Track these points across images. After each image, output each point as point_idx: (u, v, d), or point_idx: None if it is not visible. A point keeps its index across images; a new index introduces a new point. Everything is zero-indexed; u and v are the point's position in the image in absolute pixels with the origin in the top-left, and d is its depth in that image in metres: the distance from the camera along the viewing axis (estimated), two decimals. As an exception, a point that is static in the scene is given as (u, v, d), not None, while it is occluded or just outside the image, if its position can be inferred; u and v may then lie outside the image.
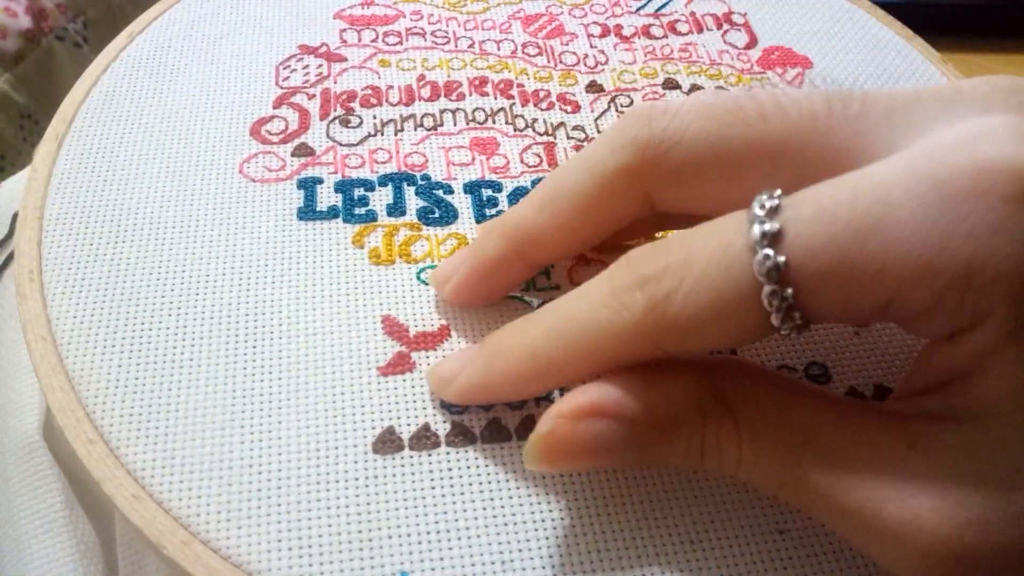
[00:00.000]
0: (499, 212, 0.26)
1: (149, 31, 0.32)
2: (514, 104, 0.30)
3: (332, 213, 0.26)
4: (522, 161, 0.28)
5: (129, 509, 0.20)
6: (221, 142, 0.28)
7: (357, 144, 0.28)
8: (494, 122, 0.29)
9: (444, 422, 0.22)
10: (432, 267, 0.25)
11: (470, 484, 0.21)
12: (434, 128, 0.29)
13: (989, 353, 0.16)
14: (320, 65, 0.31)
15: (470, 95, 0.30)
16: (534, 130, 0.29)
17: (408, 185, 0.27)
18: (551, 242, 0.22)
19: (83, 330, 0.23)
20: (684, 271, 0.17)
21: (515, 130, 0.29)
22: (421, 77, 0.31)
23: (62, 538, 0.27)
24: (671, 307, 0.17)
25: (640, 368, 0.19)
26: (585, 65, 0.32)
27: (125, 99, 0.29)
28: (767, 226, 0.17)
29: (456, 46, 0.32)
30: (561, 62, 0.32)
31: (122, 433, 0.21)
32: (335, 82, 0.30)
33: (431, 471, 0.21)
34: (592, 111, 0.30)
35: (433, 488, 0.21)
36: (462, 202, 0.27)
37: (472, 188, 0.27)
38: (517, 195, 0.27)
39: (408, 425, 0.22)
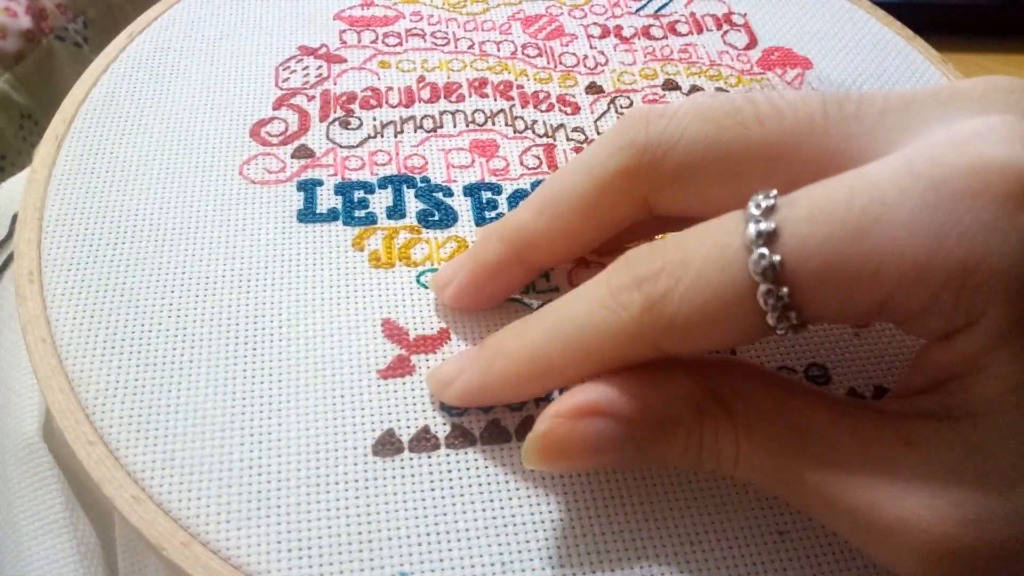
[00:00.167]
0: (499, 215, 0.27)
1: (149, 31, 0.32)
2: (514, 106, 0.30)
3: (332, 215, 0.26)
4: (522, 163, 0.28)
5: (129, 511, 0.20)
6: (221, 143, 0.28)
7: (357, 146, 0.28)
8: (494, 124, 0.29)
9: (444, 424, 0.22)
10: (432, 270, 0.25)
11: (470, 486, 0.21)
12: (434, 130, 0.29)
13: (985, 352, 0.16)
14: (320, 66, 0.31)
15: (470, 96, 0.30)
16: (534, 132, 0.29)
17: (408, 187, 0.27)
18: (550, 245, 0.22)
19: (83, 331, 0.23)
20: (680, 271, 0.17)
21: (515, 132, 0.29)
22: (421, 79, 0.31)
23: (62, 540, 0.27)
24: (668, 307, 0.17)
25: (638, 368, 0.19)
26: (585, 66, 0.32)
27: (125, 100, 0.29)
28: (763, 225, 0.17)
29: (456, 47, 0.32)
30: (561, 63, 0.32)
31: (122, 435, 0.21)
32: (335, 83, 0.30)
33: (431, 473, 0.21)
34: (592, 112, 0.30)
35: (433, 490, 0.21)
36: (462, 205, 0.27)
37: (472, 190, 0.27)
38: (517, 197, 0.27)
39: (408, 427, 0.22)
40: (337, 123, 0.29)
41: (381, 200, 0.27)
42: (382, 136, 0.29)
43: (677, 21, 0.34)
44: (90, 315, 0.23)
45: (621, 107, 0.30)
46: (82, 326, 0.23)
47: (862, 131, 0.18)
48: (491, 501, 0.20)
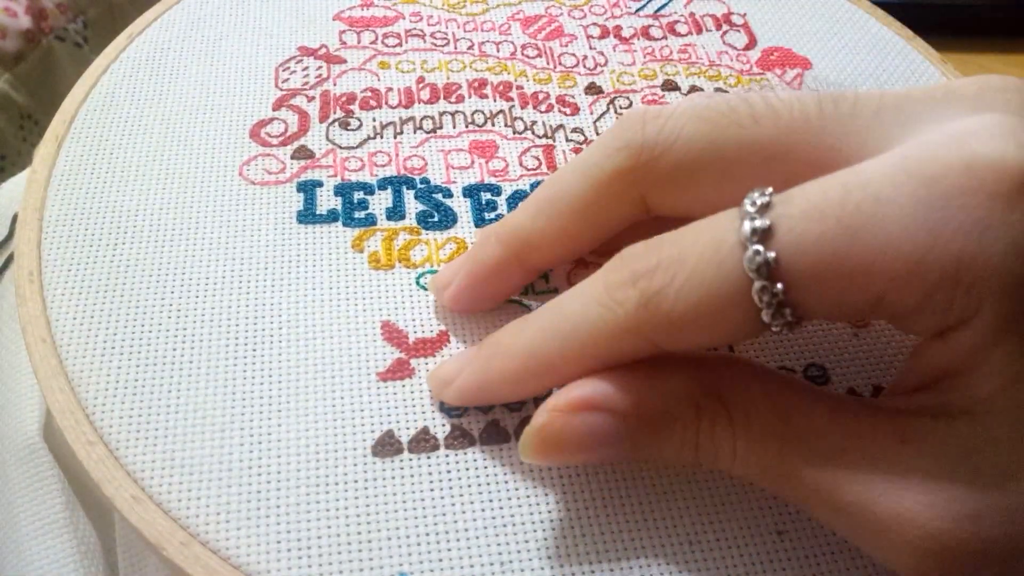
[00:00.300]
0: (498, 216, 0.27)
1: (149, 32, 0.32)
2: (513, 106, 0.30)
3: (332, 216, 0.26)
4: (521, 164, 0.28)
5: (128, 510, 0.20)
6: (221, 144, 0.28)
7: (356, 147, 0.28)
8: (493, 125, 0.29)
9: (443, 425, 0.22)
10: (432, 272, 0.25)
11: (469, 486, 0.21)
12: (433, 131, 0.29)
13: (979, 350, 0.16)
14: (320, 67, 0.31)
15: (469, 97, 0.30)
16: (533, 132, 0.29)
17: (407, 189, 0.27)
18: (549, 247, 0.22)
19: (83, 332, 0.23)
20: (676, 267, 0.17)
21: (514, 132, 0.29)
22: (420, 79, 0.31)
23: (62, 539, 0.27)
24: (663, 303, 0.17)
25: (636, 364, 0.19)
26: (584, 67, 0.32)
27: (125, 100, 0.29)
28: (757, 222, 0.17)
29: (455, 48, 0.32)
30: (560, 64, 0.32)
31: (122, 435, 0.21)
32: (335, 84, 0.30)
33: (430, 473, 0.21)
34: (591, 113, 0.30)
35: (432, 490, 0.21)
36: (461, 206, 0.27)
37: (471, 192, 0.27)
38: (516, 198, 0.27)
39: (407, 428, 0.22)
40: (337, 124, 0.29)
41: (381, 201, 0.27)
42: (382, 137, 0.29)
43: (676, 21, 0.35)
44: (90, 315, 0.23)
45: (620, 108, 0.30)
46: (82, 326, 0.23)
47: (857, 130, 0.18)
48: (490, 501, 0.21)
